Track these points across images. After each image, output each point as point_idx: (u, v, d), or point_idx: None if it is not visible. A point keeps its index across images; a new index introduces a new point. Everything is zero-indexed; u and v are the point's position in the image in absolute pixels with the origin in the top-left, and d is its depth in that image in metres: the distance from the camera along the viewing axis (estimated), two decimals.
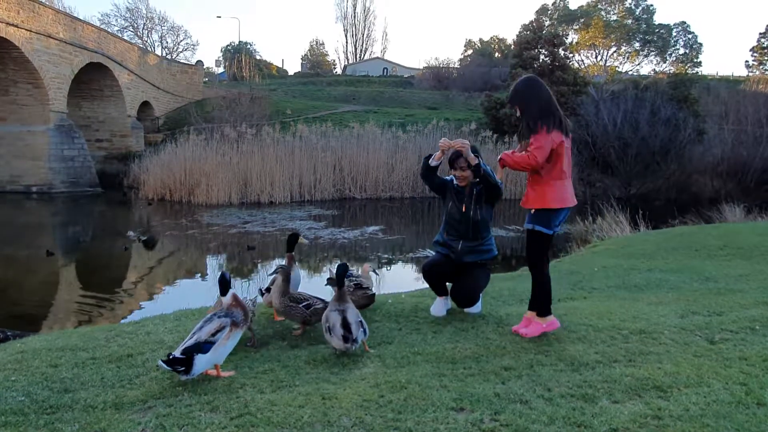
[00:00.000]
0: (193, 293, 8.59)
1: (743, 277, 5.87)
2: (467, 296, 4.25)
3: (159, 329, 4.03)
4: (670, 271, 6.37)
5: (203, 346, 2.93)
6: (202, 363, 2.91)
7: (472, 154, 4.00)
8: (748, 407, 2.54)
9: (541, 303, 3.69)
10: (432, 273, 4.29)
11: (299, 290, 4.20)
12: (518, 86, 3.71)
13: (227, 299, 3.23)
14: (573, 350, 3.37)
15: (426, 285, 4.63)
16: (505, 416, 2.48)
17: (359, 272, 4.52)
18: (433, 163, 4.17)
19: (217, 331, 3.02)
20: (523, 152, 3.58)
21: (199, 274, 10.71)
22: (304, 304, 3.70)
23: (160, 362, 2.88)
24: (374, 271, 4.55)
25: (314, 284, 8.44)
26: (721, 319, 4.04)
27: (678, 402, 2.60)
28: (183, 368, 2.85)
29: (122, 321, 6.52)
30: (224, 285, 3.25)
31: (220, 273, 3.31)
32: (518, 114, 3.74)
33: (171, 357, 2.87)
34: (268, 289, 4.17)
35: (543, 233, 3.64)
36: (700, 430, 2.33)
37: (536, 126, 3.52)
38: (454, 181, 4.27)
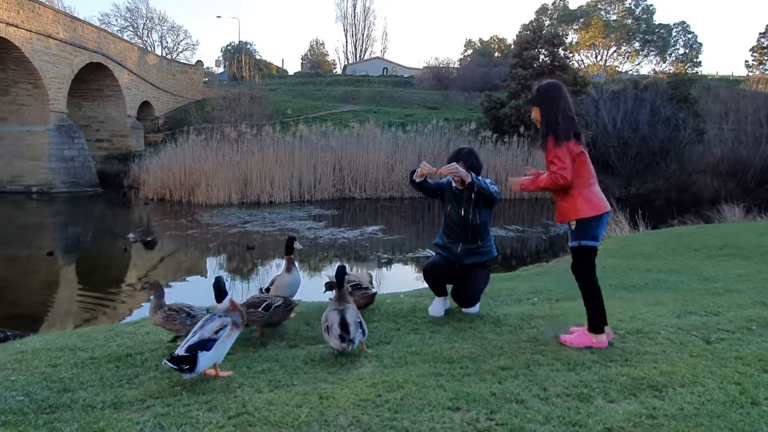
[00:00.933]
0: (193, 293, 8.62)
1: (742, 277, 5.88)
2: (468, 296, 4.27)
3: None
4: (669, 272, 6.39)
5: (207, 344, 2.96)
6: (205, 360, 2.94)
7: (464, 171, 3.99)
8: (742, 406, 2.55)
9: (594, 319, 3.47)
10: (433, 274, 4.31)
11: (297, 293, 4.24)
12: (543, 87, 3.53)
13: (224, 305, 3.22)
14: (570, 350, 3.39)
15: (425, 285, 4.65)
16: (501, 415, 2.50)
17: (358, 272, 4.54)
18: (416, 179, 4.18)
19: (219, 329, 3.06)
20: (544, 174, 3.45)
21: (200, 274, 10.72)
22: (263, 306, 3.68)
23: (165, 362, 2.90)
24: (369, 273, 4.59)
25: (315, 285, 8.45)
26: (718, 319, 4.05)
27: (673, 401, 2.61)
28: (188, 366, 2.87)
29: (122, 321, 6.54)
30: (220, 292, 3.22)
31: (214, 278, 3.27)
32: (533, 116, 3.58)
33: (175, 356, 2.90)
34: (267, 289, 4.20)
35: (590, 246, 3.44)
36: (693, 429, 2.35)
37: (550, 136, 3.38)
38: (453, 184, 4.28)
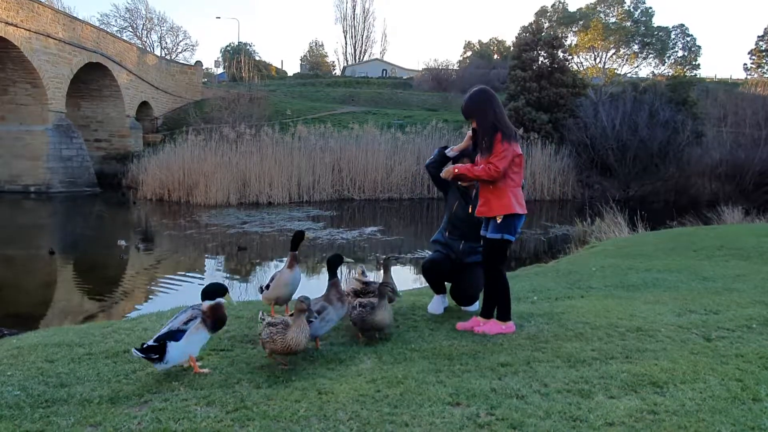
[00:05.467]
0: (192, 292, 8.58)
1: (741, 277, 5.87)
2: (468, 294, 4.25)
3: (155, 326, 4.02)
4: (668, 271, 6.37)
5: (176, 335, 2.99)
6: (175, 351, 2.97)
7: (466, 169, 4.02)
8: (744, 402, 2.54)
9: (503, 308, 3.78)
10: (432, 271, 4.29)
11: (297, 290, 4.17)
12: (472, 97, 3.76)
13: (205, 305, 3.21)
14: (570, 347, 3.37)
15: (424, 284, 4.63)
16: (501, 411, 2.49)
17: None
18: (450, 154, 4.15)
19: (189, 320, 3.08)
20: (482, 165, 3.65)
21: (198, 274, 10.69)
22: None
23: (134, 351, 2.94)
24: (363, 272, 4.53)
25: (313, 285, 8.43)
26: (718, 317, 4.04)
27: (674, 397, 2.60)
28: (157, 356, 2.91)
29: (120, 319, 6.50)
30: (208, 294, 3.22)
31: (212, 283, 3.26)
32: (474, 126, 3.82)
33: (145, 345, 2.94)
34: (267, 286, 4.16)
35: (509, 240, 3.73)
36: (695, 425, 2.33)
37: (494, 137, 3.60)
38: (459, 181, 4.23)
